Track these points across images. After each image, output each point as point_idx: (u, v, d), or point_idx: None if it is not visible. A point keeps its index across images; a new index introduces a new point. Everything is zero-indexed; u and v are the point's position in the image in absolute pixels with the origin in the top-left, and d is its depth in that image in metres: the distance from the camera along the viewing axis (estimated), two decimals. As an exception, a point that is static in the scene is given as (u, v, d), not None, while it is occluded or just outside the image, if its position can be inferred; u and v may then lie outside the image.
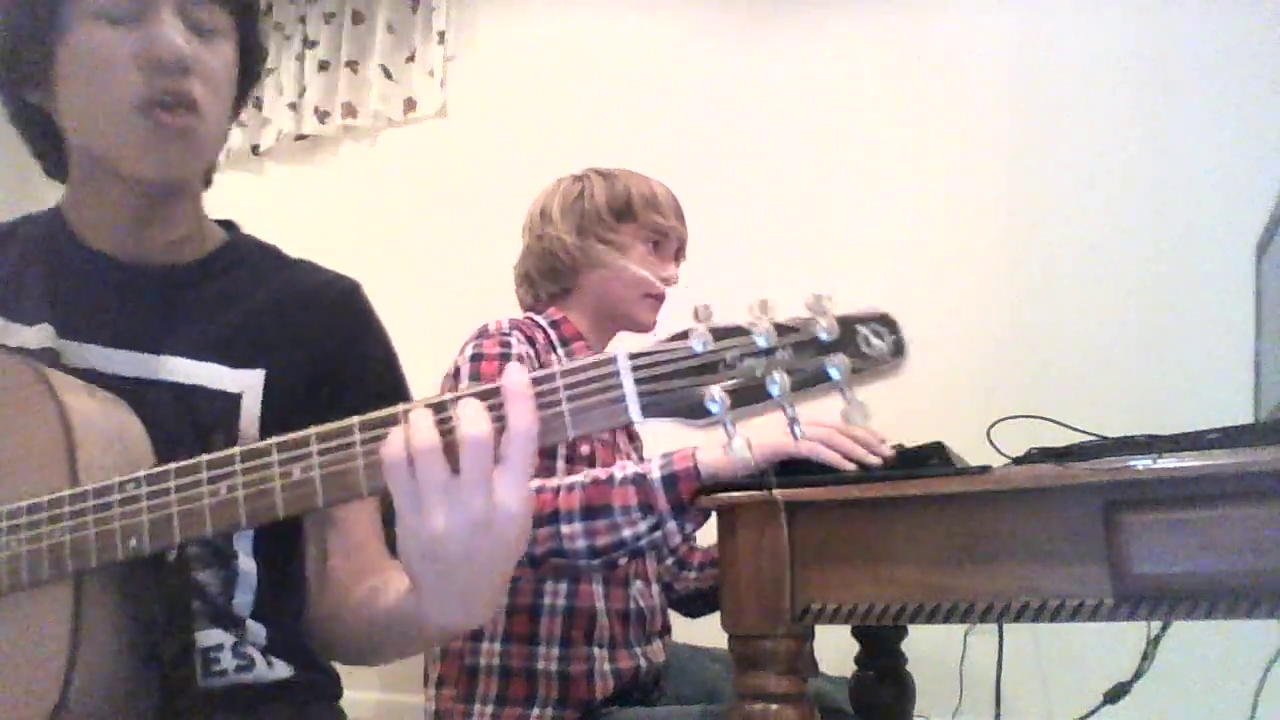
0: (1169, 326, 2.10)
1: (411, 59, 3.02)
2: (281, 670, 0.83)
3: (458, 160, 2.92)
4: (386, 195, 3.00)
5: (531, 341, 1.30)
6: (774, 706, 0.89)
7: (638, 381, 0.56)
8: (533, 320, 1.38)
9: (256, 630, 0.83)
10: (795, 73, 2.55)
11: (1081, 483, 0.81)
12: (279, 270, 0.93)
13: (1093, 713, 1.31)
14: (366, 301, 0.95)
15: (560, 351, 1.36)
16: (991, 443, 0.93)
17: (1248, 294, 1.29)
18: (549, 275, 1.43)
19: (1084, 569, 0.82)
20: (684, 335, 0.56)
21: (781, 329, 0.55)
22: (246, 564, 0.82)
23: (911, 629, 1.47)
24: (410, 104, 3.00)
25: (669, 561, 1.51)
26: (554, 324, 1.39)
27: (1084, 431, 0.91)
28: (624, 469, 1.06)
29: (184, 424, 0.80)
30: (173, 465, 0.65)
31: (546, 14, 2.90)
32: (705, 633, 1.34)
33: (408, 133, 3.03)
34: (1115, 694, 1.29)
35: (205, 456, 0.64)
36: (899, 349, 0.56)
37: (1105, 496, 0.81)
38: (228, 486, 0.63)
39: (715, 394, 0.55)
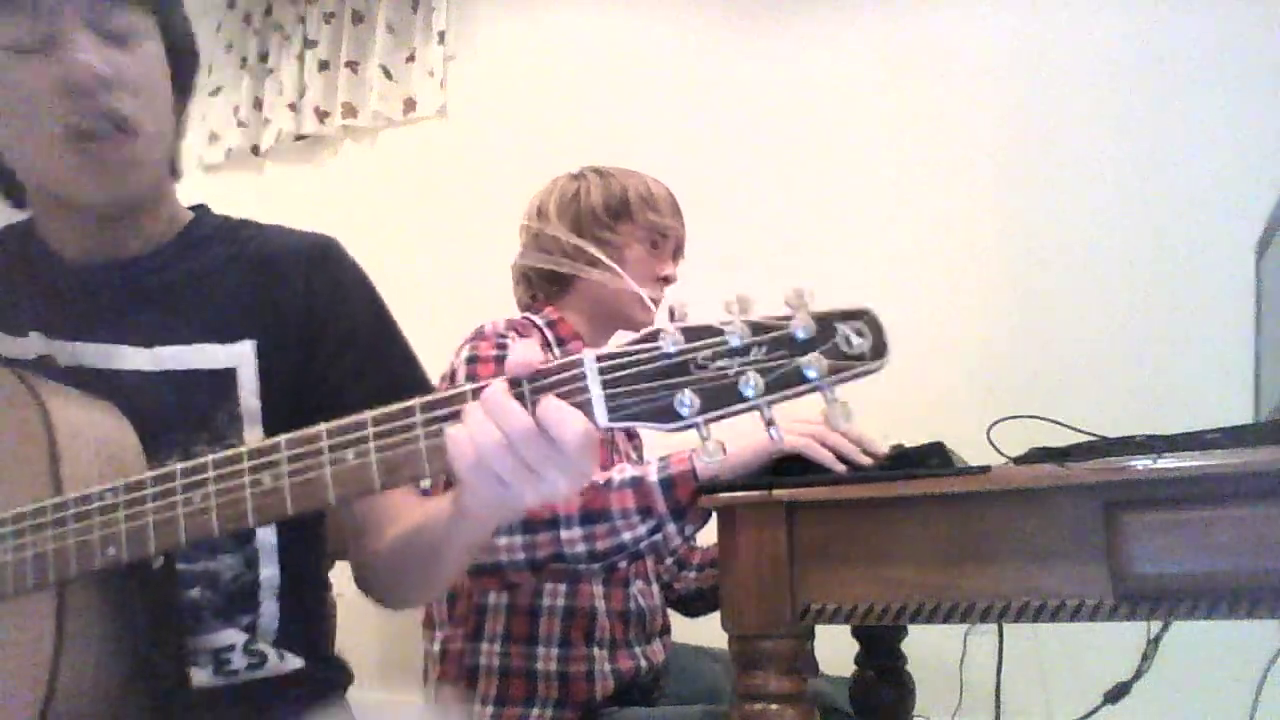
0: (1169, 326, 2.10)
1: (411, 59, 3.02)
2: (293, 662, 0.84)
3: (458, 160, 2.92)
4: (386, 195, 3.00)
5: (529, 341, 1.30)
6: (774, 706, 0.89)
7: (605, 385, 0.55)
8: (529, 320, 1.38)
9: (270, 614, 0.83)
10: (795, 73, 2.55)
11: (1081, 483, 0.81)
12: (251, 239, 0.92)
13: (1093, 713, 1.31)
14: (345, 254, 0.94)
15: (557, 351, 1.36)
16: (991, 443, 0.93)
17: (1248, 294, 1.29)
18: (546, 274, 1.43)
19: (1084, 569, 0.82)
20: (655, 336, 0.54)
21: (756, 327, 0.53)
22: (266, 535, 0.83)
23: (911, 629, 1.47)
24: (410, 104, 3.00)
25: (669, 561, 1.51)
26: (551, 324, 1.39)
27: (1084, 431, 0.90)
28: (622, 472, 1.06)
29: (184, 410, 0.81)
30: (179, 466, 0.64)
31: (546, 14, 2.90)
32: (705, 633, 1.34)
33: (408, 133, 3.03)
34: (1115, 694, 1.29)
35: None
36: (880, 349, 0.52)
37: (1105, 496, 0.81)
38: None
39: (685, 397, 0.53)
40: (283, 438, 0.62)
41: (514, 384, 0.57)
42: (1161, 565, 0.79)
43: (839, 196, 2.45)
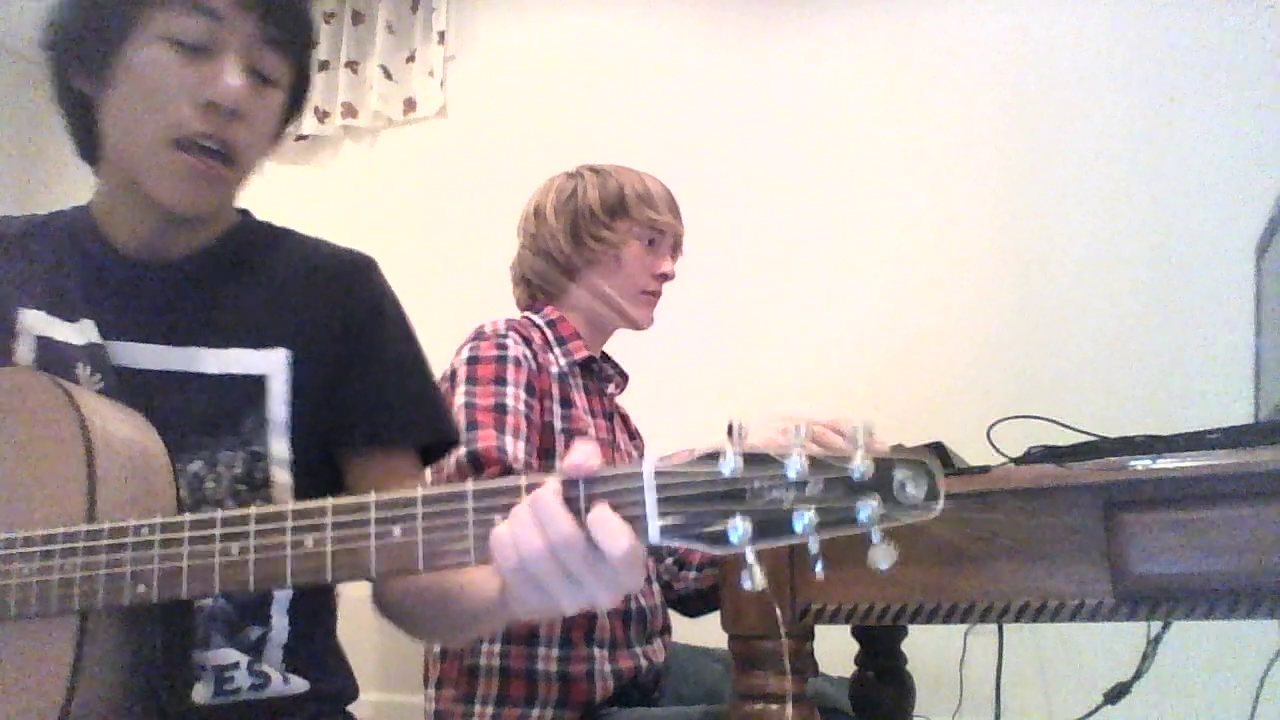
0: (1169, 326, 2.10)
1: (411, 59, 3.02)
2: (297, 685, 0.84)
3: (458, 160, 2.92)
4: (386, 195, 2.99)
5: (528, 342, 1.30)
6: (774, 706, 0.89)
7: (660, 501, 0.55)
8: (529, 320, 1.38)
9: (280, 630, 0.83)
10: (795, 72, 2.55)
11: (1081, 483, 0.81)
12: (294, 248, 0.93)
13: (1093, 713, 1.31)
14: (382, 276, 0.96)
15: (557, 351, 1.36)
16: (991, 443, 0.93)
17: (1248, 294, 1.29)
18: (545, 274, 1.43)
19: (1084, 569, 0.81)
20: (715, 457, 0.55)
21: (815, 463, 0.53)
22: None
23: (911, 629, 1.47)
24: (410, 104, 3.00)
25: (669, 561, 1.51)
26: (551, 323, 1.39)
27: (1084, 431, 0.90)
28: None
29: (213, 413, 0.82)
30: (219, 514, 0.63)
31: (546, 14, 2.90)
32: (705, 633, 1.34)
33: (408, 133, 3.03)
34: (1115, 694, 1.29)
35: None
36: (933, 497, 0.54)
37: (1105, 496, 0.81)
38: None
39: (738, 524, 0.53)
40: (329, 502, 0.61)
41: (568, 485, 0.56)
42: (1161, 565, 0.79)
43: (839, 197, 2.45)
